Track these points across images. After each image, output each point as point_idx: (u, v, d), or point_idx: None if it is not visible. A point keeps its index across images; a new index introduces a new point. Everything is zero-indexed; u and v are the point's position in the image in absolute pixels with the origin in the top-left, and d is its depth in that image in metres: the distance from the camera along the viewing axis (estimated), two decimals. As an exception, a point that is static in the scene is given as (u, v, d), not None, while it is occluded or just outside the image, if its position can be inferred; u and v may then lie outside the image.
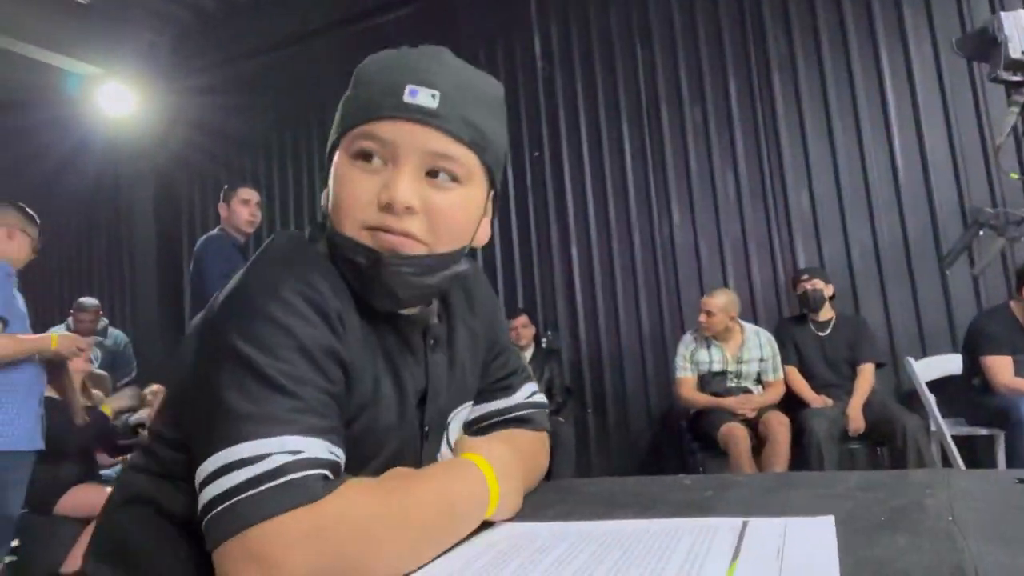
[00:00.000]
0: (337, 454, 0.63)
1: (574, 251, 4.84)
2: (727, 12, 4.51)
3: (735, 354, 3.75)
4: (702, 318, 3.71)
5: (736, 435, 3.44)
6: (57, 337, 2.74)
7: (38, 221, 2.83)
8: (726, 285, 4.32)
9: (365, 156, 0.71)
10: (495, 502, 0.72)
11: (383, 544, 0.59)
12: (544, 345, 4.63)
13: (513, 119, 5.01)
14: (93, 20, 5.33)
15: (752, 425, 3.57)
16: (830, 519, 0.65)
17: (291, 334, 0.64)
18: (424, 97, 0.70)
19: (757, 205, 4.38)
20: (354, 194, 0.70)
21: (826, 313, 3.82)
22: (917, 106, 4.07)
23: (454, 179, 0.72)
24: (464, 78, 0.73)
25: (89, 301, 4.99)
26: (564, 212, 4.90)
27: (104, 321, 5.27)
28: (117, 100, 5.64)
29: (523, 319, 4.39)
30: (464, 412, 0.90)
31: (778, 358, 3.74)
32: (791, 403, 3.68)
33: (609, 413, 4.68)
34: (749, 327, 3.81)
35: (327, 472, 0.60)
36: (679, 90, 4.61)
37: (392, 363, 0.76)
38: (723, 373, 3.75)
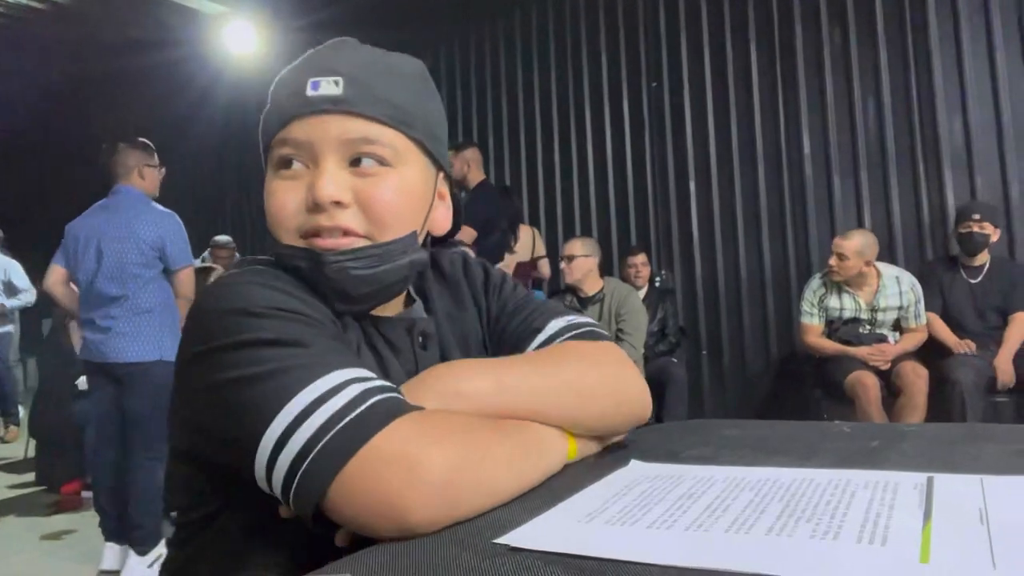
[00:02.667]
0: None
1: (692, 186, 4.63)
2: (875, -82, 4.05)
3: (870, 301, 3.46)
4: (833, 261, 3.42)
5: (865, 383, 3.23)
6: None
7: (151, 145, 3.00)
8: (862, 223, 4.01)
9: (285, 164, 0.68)
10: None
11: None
12: (658, 284, 4.50)
13: (631, 48, 4.85)
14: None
15: (884, 374, 3.33)
16: (1040, 480, 0.55)
17: (279, 307, 0.61)
18: (327, 86, 0.66)
19: (902, 135, 3.98)
20: (281, 204, 0.68)
21: (981, 258, 3.45)
22: (1099, 20, 3.54)
23: (381, 163, 0.68)
24: (370, 58, 0.70)
25: (224, 239, 5.29)
26: (683, 144, 4.67)
27: (238, 257, 5.59)
28: (241, 39, 5.80)
29: (642, 257, 4.25)
30: None
31: (921, 304, 3.41)
32: (931, 351, 3.40)
33: (725, 355, 4.52)
34: (889, 270, 3.49)
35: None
36: (816, 8, 4.22)
37: (381, 363, 0.72)
38: (855, 320, 3.49)
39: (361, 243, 0.67)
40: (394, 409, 0.55)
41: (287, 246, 0.68)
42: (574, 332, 0.76)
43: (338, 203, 0.66)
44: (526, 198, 5.31)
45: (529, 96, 5.34)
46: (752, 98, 4.42)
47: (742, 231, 4.45)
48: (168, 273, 2.90)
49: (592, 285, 3.75)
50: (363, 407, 0.54)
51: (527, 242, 4.28)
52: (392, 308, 0.76)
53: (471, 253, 3.15)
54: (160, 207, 2.96)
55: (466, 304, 0.83)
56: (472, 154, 3.90)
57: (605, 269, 3.92)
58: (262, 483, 0.56)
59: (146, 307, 2.82)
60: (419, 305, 0.79)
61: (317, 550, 0.54)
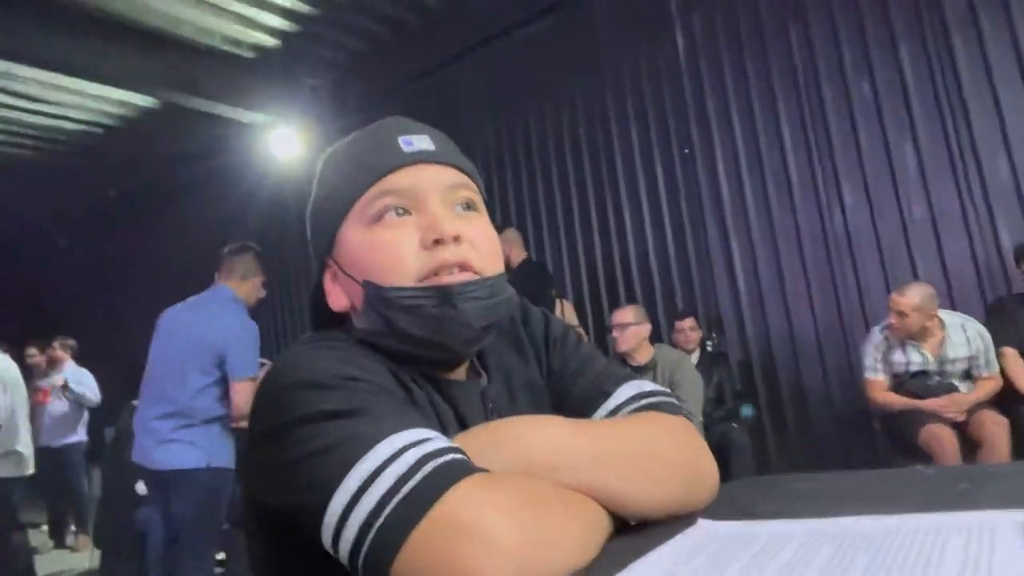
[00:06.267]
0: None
1: (734, 247, 4.58)
2: (890, -26, 4.10)
3: (937, 354, 3.25)
4: (893, 319, 3.22)
5: (942, 437, 3.04)
6: None
7: (260, 252, 3.07)
8: (914, 270, 3.89)
9: (390, 213, 0.70)
10: None
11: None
12: (710, 348, 4.40)
13: (660, 119, 4.91)
14: (259, 72, 5.80)
15: (960, 426, 3.14)
16: None
17: (341, 376, 0.61)
18: (420, 142, 0.73)
19: (945, 179, 3.90)
20: (396, 249, 0.69)
21: None
22: None
23: (472, 208, 0.74)
24: (434, 128, 0.78)
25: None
26: (720, 208, 4.65)
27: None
28: (285, 145, 6.07)
29: (690, 321, 4.17)
30: None
31: (992, 351, 3.21)
32: (1009, 397, 3.20)
33: (787, 415, 4.35)
34: (953, 320, 3.27)
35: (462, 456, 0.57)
36: (842, 65, 4.24)
37: (449, 428, 0.70)
38: (923, 372, 3.29)
39: (478, 277, 0.70)
40: (455, 472, 0.54)
41: (407, 288, 0.68)
42: (646, 401, 0.74)
43: (458, 237, 0.68)
44: (568, 273, 5.32)
45: (563, 175, 5.42)
46: (786, 156, 4.40)
47: (791, 289, 4.35)
48: (228, 380, 2.74)
49: (643, 354, 3.69)
50: (422, 473, 0.53)
51: (556, 313, 4.27)
52: (459, 373, 0.76)
53: None
54: (244, 315, 2.86)
55: (527, 356, 0.82)
56: (512, 235, 3.97)
57: (653, 336, 3.86)
58: (332, 552, 0.55)
59: (201, 416, 2.71)
60: (483, 373, 0.79)
61: None
